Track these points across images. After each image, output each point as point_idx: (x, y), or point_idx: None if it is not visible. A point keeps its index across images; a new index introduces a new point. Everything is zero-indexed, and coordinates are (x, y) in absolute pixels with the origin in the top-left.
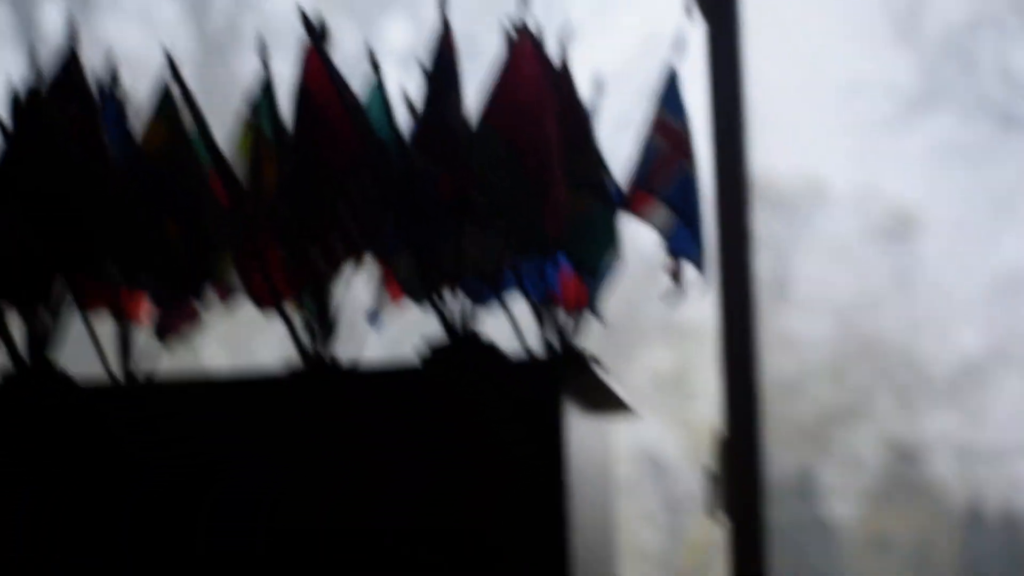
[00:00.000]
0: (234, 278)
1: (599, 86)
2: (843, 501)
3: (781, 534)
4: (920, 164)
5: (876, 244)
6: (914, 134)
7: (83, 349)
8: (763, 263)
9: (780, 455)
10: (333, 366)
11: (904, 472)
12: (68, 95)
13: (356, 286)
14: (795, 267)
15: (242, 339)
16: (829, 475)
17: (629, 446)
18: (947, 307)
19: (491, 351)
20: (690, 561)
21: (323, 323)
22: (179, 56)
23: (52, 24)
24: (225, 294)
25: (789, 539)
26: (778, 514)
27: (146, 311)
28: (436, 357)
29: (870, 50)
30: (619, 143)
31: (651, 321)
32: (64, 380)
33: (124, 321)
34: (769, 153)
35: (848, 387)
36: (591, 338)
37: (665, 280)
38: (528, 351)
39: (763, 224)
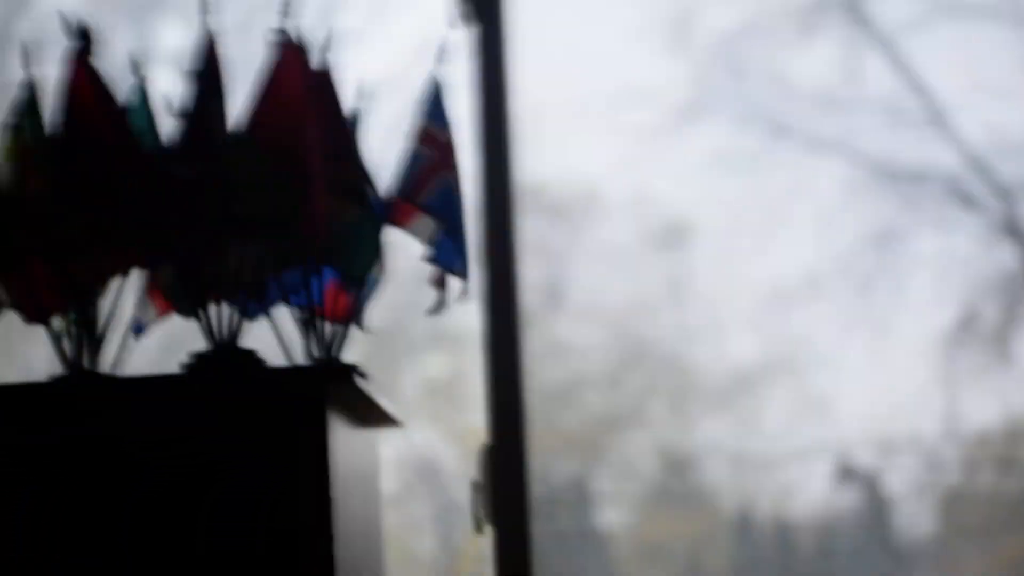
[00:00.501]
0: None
1: (365, 94)
2: (616, 509)
3: (554, 543)
4: (693, 172)
5: (650, 252)
6: (686, 142)
7: None
8: (537, 271)
9: (553, 464)
10: (95, 374)
11: (676, 480)
12: None
13: (123, 296)
14: (569, 275)
15: (16, 347)
16: (602, 483)
17: (403, 455)
18: (719, 315)
19: (253, 360)
20: (463, 571)
21: (88, 333)
22: None
23: None
24: None
25: (562, 548)
26: (551, 523)
27: None
28: (198, 366)
29: (641, 58)
30: (391, 152)
31: (424, 330)
32: None
33: None
34: (542, 161)
35: (621, 395)
36: (362, 348)
37: (431, 291)
38: (293, 362)
39: (537, 232)
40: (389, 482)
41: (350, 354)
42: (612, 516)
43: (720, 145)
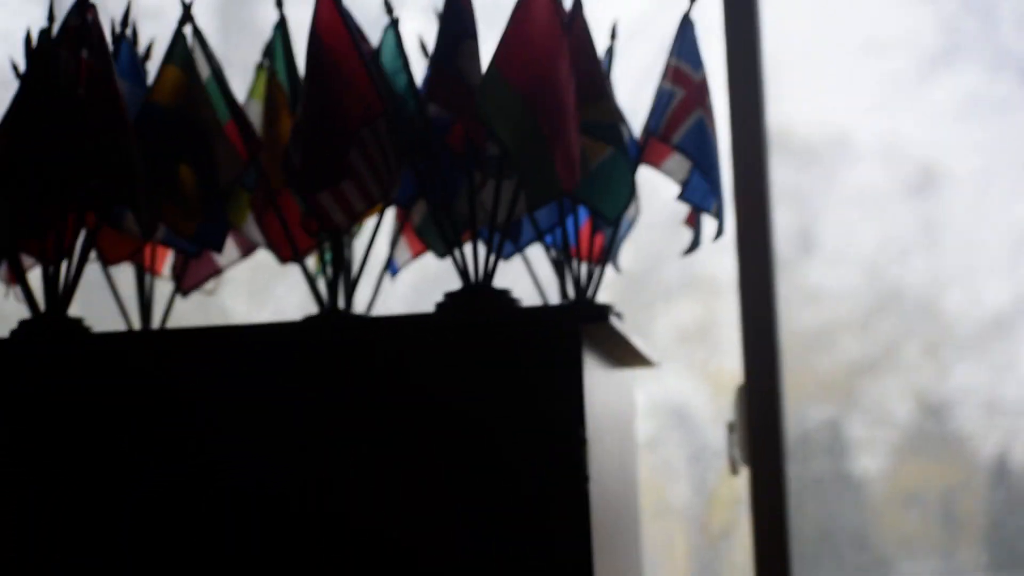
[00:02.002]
0: (253, 228)
1: (615, 34)
2: (870, 454)
3: (807, 488)
4: (944, 118)
5: (902, 197)
6: (936, 89)
7: (105, 302)
8: (787, 215)
9: (806, 409)
10: (349, 315)
11: (931, 425)
12: (79, 40)
13: (377, 236)
14: (820, 219)
15: (263, 288)
16: (855, 428)
17: (655, 400)
18: (973, 260)
19: (507, 300)
20: (716, 516)
21: (341, 273)
22: (199, 2)
23: None
24: (245, 245)
25: (815, 493)
26: (804, 468)
27: (166, 263)
28: (451, 306)
29: (890, 5)
30: (644, 93)
31: (678, 274)
32: (81, 329)
33: (144, 272)
34: (792, 105)
35: (875, 340)
36: (616, 291)
37: (685, 231)
38: (547, 302)
39: (787, 176)
40: (643, 427)
41: (604, 296)
42: (866, 461)
43: (971, 91)
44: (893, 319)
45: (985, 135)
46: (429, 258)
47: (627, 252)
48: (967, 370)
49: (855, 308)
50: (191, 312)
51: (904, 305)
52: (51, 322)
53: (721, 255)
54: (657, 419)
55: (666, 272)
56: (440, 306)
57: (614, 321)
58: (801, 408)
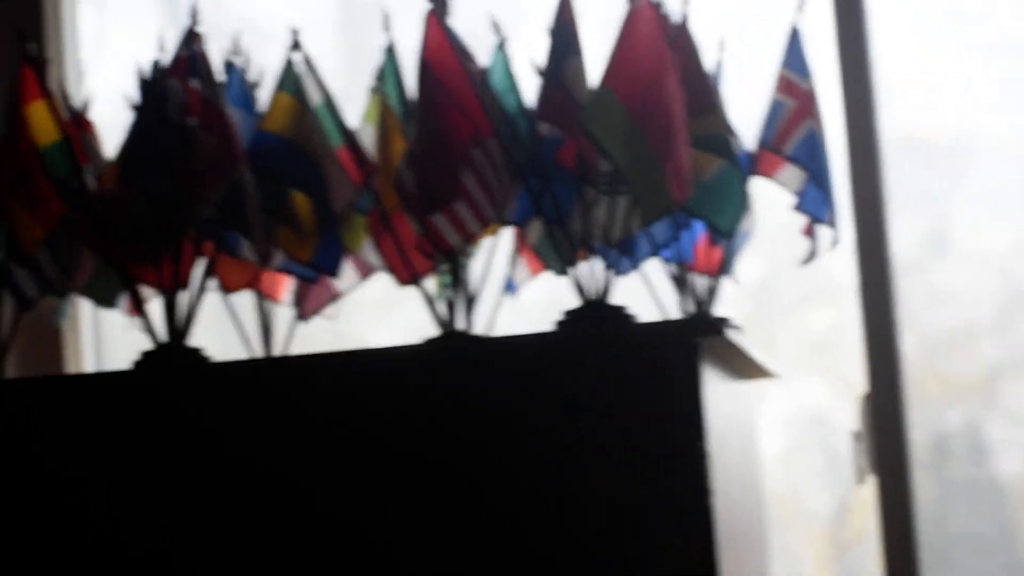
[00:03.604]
0: (370, 252)
1: (723, 46)
2: (1008, 457)
3: (949, 493)
4: None
5: None
6: None
7: (226, 330)
8: (920, 217)
9: (942, 412)
10: (469, 336)
11: None
12: (188, 70)
13: (495, 257)
14: (950, 220)
15: (384, 313)
16: (994, 431)
17: (788, 411)
18: None
19: (624, 315)
20: (849, 525)
21: (460, 295)
22: (322, 26)
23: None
24: (363, 269)
25: (957, 496)
26: (942, 473)
27: (285, 289)
28: (569, 323)
29: (1009, 8)
30: (745, 104)
31: (805, 284)
32: (201, 358)
33: (263, 299)
34: (914, 108)
35: (1011, 341)
36: (742, 304)
37: (802, 241)
38: (664, 317)
39: (914, 179)
40: (777, 438)
41: (728, 310)
42: (1004, 465)
43: None
44: None
45: None
46: (550, 278)
47: (754, 263)
48: None
49: (990, 309)
50: (316, 336)
51: None
52: (172, 352)
53: (847, 261)
54: (790, 430)
55: (795, 282)
56: (559, 324)
57: (732, 333)
58: (937, 412)
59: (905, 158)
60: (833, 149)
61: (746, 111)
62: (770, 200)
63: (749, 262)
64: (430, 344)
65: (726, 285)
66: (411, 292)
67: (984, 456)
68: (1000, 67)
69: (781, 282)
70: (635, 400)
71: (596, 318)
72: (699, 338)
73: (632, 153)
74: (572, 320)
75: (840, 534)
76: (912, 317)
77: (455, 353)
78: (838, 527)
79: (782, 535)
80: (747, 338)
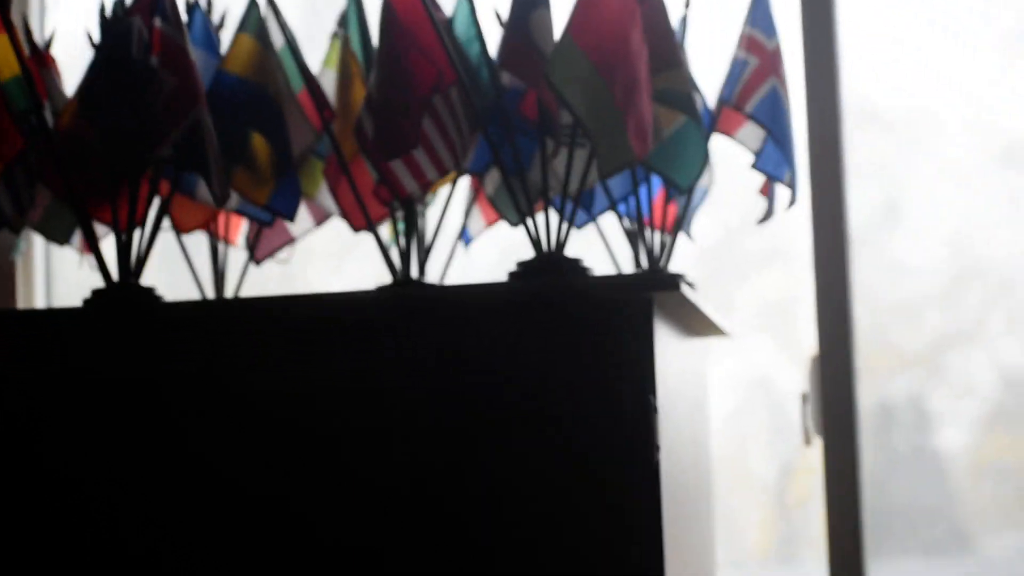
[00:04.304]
0: (326, 197)
1: (689, 3)
2: (953, 428)
3: (893, 461)
4: None
5: (987, 170)
6: (1021, 62)
7: (179, 271)
8: (874, 188)
9: (892, 381)
10: (422, 284)
11: (1015, 399)
12: (152, 9)
13: (451, 206)
14: (907, 192)
15: (336, 259)
16: (939, 402)
17: (737, 372)
18: None
19: (579, 268)
20: (799, 487)
21: (414, 243)
22: None
23: None
24: (319, 214)
25: (901, 466)
26: (886, 440)
27: (240, 231)
28: (523, 274)
29: None
30: (710, 62)
31: (760, 245)
32: (153, 298)
33: (217, 240)
34: (877, 81)
35: (959, 313)
36: (698, 263)
37: (759, 200)
38: (619, 271)
39: (874, 149)
40: (725, 399)
41: (684, 268)
42: (949, 435)
43: None
44: (978, 292)
45: None
46: (505, 228)
47: (713, 224)
48: None
49: (940, 281)
50: (269, 283)
51: (989, 278)
52: (123, 291)
53: (802, 226)
54: (739, 391)
55: (751, 244)
56: (512, 275)
57: (686, 290)
58: (884, 381)
59: (863, 130)
60: (795, 114)
61: (710, 68)
62: (732, 161)
63: (708, 222)
64: (382, 291)
65: (682, 242)
66: (366, 240)
67: (928, 426)
68: (959, 42)
69: (738, 244)
70: (587, 353)
71: (550, 270)
72: (653, 293)
73: (594, 105)
74: (526, 272)
75: (785, 495)
76: (864, 287)
77: (406, 301)
78: (783, 489)
79: (728, 495)
80: (701, 296)
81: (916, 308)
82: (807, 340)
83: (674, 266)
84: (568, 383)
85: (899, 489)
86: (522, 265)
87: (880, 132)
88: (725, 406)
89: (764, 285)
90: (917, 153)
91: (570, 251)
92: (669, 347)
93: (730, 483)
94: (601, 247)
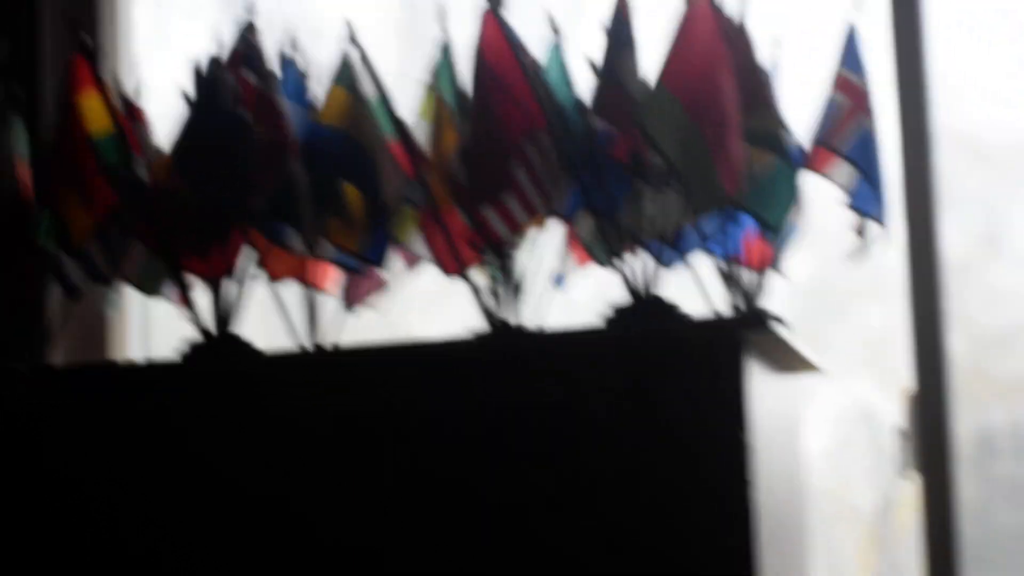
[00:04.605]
0: (419, 244)
1: (779, 43)
2: None
3: (993, 489)
4: None
5: None
6: None
7: (272, 320)
8: (976, 218)
9: (992, 412)
10: (518, 330)
11: None
12: (243, 64)
13: (543, 250)
14: (1009, 222)
15: (432, 306)
16: None
17: (841, 408)
18: None
19: (671, 310)
20: (899, 520)
21: (508, 287)
22: (387, 23)
23: None
24: (411, 260)
25: (1001, 494)
26: (996, 470)
27: (332, 279)
28: (617, 317)
29: None
30: (801, 102)
31: (859, 281)
32: (249, 349)
33: (310, 290)
34: (976, 110)
35: None
36: (794, 300)
37: (852, 238)
38: (712, 311)
39: (975, 179)
40: (826, 434)
41: (780, 307)
42: None
43: None
44: None
45: None
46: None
47: (807, 260)
48: None
49: None
50: (366, 329)
51: None
52: (219, 342)
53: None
54: (838, 426)
55: (847, 279)
56: (607, 319)
57: (778, 328)
58: (985, 412)
59: (962, 158)
60: (886, 146)
61: (801, 108)
62: (824, 197)
63: (803, 259)
64: (479, 338)
65: (775, 280)
66: (460, 287)
67: None
68: None
69: (834, 280)
70: (680, 394)
71: (643, 313)
72: (744, 332)
73: (685, 148)
74: (619, 315)
75: (883, 530)
76: (964, 317)
77: (503, 347)
78: (881, 524)
79: (827, 531)
80: (796, 334)
81: (1017, 337)
82: (904, 374)
83: (768, 304)
84: (662, 424)
85: (1000, 518)
86: (615, 309)
87: (979, 161)
88: (824, 442)
89: (860, 320)
90: (1018, 181)
91: (663, 293)
92: (762, 385)
93: (831, 519)
94: (694, 289)
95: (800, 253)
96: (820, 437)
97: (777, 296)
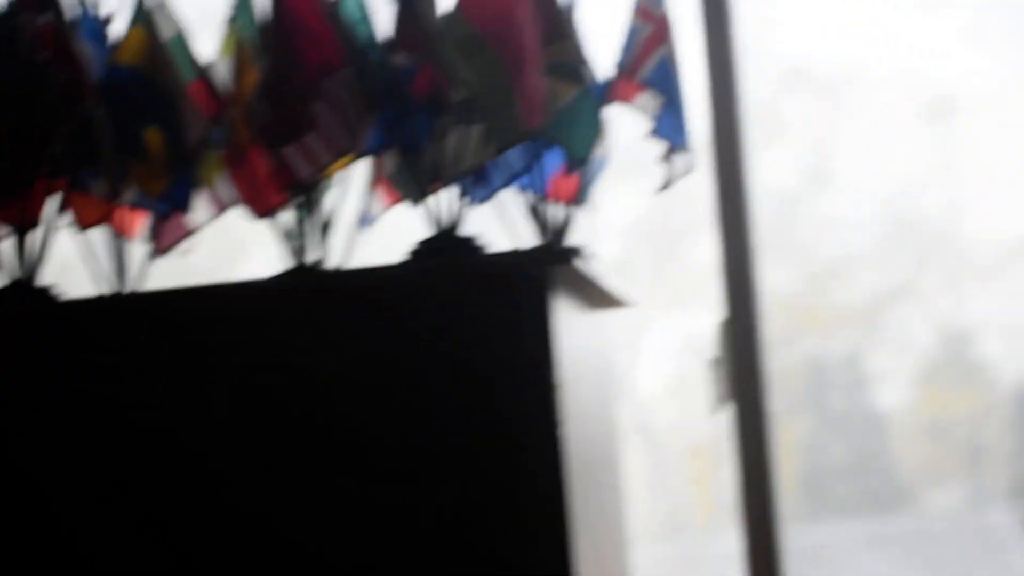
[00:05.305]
0: (226, 187)
1: None
2: (892, 386)
3: (833, 421)
4: (957, 45)
5: (915, 126)
6: (949, 15)
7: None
8: (803, 149)
9: (829, 341)
10: (321, 269)
11: (953, 354)
12: (39, 5)
13: (350, 188)
14: (836, 152)
15: (237, 250)
16: (877, 360)
17: (682, 341)
18: (989, 188)
19: (475, 246)
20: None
21: (313, 226)
22: None
23: None
24: (219, 204)
25: (841, 426)
26: (829, 401)
27: (139, 225)
28: (421, 253)
29: None
30: (609, 31)
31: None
32: (49, 296)
33: (117, 236)
34: (804, 39)
35: (893, 271)
36: (630, 236)
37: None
38: (520, 247)
39: (802, 110)
40: (670, 369)
41: (613, 243)
42: (889, 392)
43: (981, 17)
44: (912, 248)
45: (997, 62)
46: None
47: (640, 196)
48: (987, 298)
49: (873, 239)
50: (170, 276)
51: (922, 234)
52: (22, 289)
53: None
54: (681, 361)
55: (682, 214)
56: (411, 254)
57: (583, 263)
58: (820, 341)
59: (791, 90)
60: (692, 75)
61: (602, 38)
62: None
63: (636, 192)
64: (282, 277)
65: (594, 216)
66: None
67: (866, 385)
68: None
69: (670, 213)
70: (486, 330)
71: (448, 249)
72: (550, 267)
73: (486, 79)
74: (424, 251)
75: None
76: (795, 248)
77: (305, 286)
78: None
79: (664, 465)
80: (608, 268)
81: (851, 267)
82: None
83: (588, 240)
84: (469, 362)
85: (832, 451)
86: (420, 244)
87: (808, 93)
88: (665, 376)
89: (697, 254)
90: (845, 113)
91: (470, 229)
92: (570, 321)
93: (673, 452)
94: (502, 224)
95: (632, 187)
96: (658, 372)
97: (609, 231)
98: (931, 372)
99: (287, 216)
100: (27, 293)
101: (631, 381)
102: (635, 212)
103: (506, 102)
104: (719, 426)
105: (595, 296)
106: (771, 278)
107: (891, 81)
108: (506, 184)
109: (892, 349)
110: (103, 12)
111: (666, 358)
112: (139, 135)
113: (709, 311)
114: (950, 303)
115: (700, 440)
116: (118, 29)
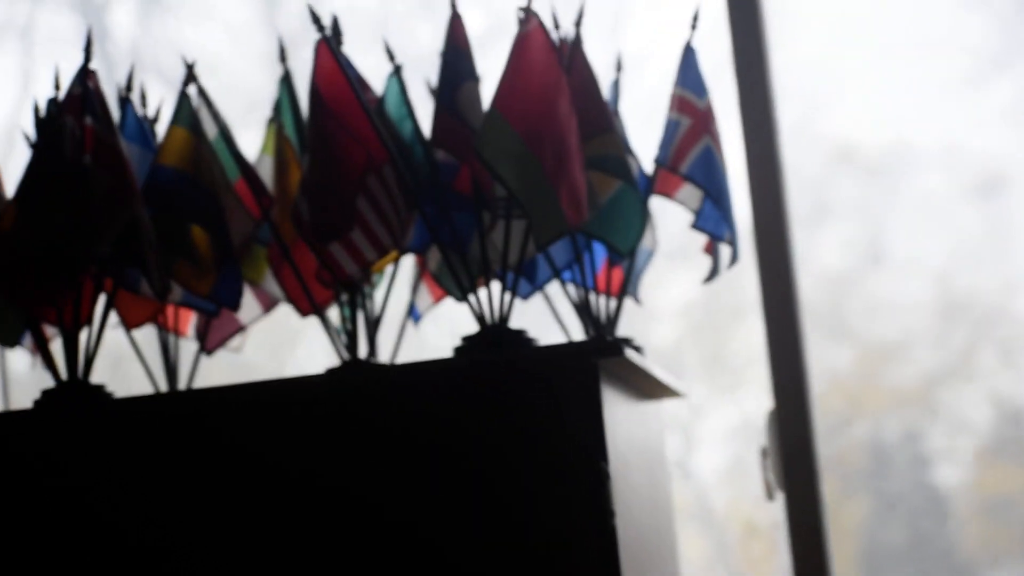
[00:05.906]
0: (272, 283)
1: (620, 67)
2: (951, 464)
3: (891, 501)
4: (1003, 121)
5: (966, 202)
6: (994, 91)
7: (131, 365)
8: (854, 228)
9: (886, 421)
10: (369, 365)
11: (1012, 431)
12: (83, 107)
13: (397, 285)
14: (886, 230)
15: (287, 344)
16: (936, 439)
17: (734, 424)
18: None
19: (522, 339)
20: (767, 538)
21: (360, 323)
22: (257, 55)
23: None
24: (266, 301)
25: (899, 507)
26: (887, 482)
27: (189, 323)
28: (468, 348)
29: (941, 9)
30: (649, 126)
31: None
32: (102, 395)
33: (167, 334)
34: (849, 117)
35: (949, 349)
36: (682, 320)
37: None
38: (569, 339)
39: (852, 189)
40: (725, 452)
41: (664, 328)
42: (947, 472)
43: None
44: (966, 326)
45: None
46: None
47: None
48: None
49: (927, 317)
50: (221, 371)
51: (976, 311)
52: (73, 390)
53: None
54: (733, 444)
55: (735, 296)
56: (457, 350)
57: (632, 355)
58: (877, 421)
59: (840, 170)
60: (732, 166)
61: (644, 131)
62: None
63: (685, 281)
64: (331, 374)
65: (643, 306)
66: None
67: (924, 466)
68: (936, 72)
69: (722, 297)
70: (535, 424)
71: (494, 343)
72: (598, 359)
73: (525, 177)
74: (471, 346)
75: (768, 548)
76: (848, 328)
77: (354, 383)
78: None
79: (719, 548)
80: (653, 359)
81: (907, 346)
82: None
83: (632, 332)
84: (519, 456)
85: (905, 529)
86: (466, 340)
87: (857, 172)
88: (719, 460)
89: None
90: (895, 189)
91: (515, 323)
92: (620, 412)
93: (741, 537)
94: (549, 318)
95: (686, 272)
96: (714, 456)
97: (660, 317)
98: (989, 450)
99: (334, 312)
100: (81, 392)
101: (687, 466)
102: (686, 297)
103: (547, 198)
104: (775, 510)
105: (645, 386)
106: (825, 359)
107: (939, 158)
108: (552, 278)
109: (949, 428)
110: (145, 112)
111: (722, 442)
112: (185, 234)
113: (763, 393)
114: (1006, 380)
115: (758, 523)
116: (161, 129)
